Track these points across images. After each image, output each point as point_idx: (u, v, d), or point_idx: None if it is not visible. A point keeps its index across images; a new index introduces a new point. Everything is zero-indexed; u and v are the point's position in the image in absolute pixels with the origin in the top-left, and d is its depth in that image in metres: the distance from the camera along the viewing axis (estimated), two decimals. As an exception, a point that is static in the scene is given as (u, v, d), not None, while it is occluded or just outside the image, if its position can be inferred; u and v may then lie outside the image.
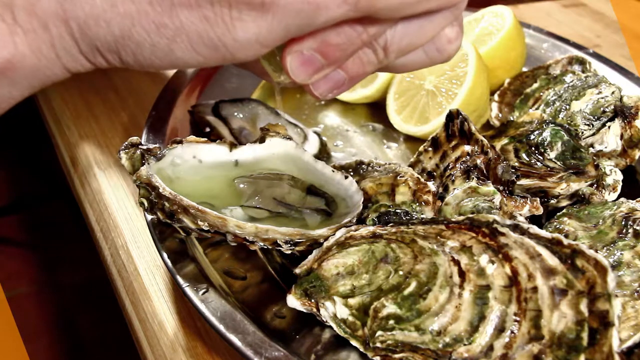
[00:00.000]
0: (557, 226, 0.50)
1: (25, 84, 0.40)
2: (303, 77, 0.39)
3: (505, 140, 0.57)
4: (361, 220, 0.49)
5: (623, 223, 0.48)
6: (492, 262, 0.40)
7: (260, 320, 0.42)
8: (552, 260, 0.38)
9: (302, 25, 0.36)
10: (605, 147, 0.60)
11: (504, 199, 0.49)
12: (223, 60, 0.38)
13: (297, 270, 0.44)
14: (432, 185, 0.50)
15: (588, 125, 0.60)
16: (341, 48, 0.38)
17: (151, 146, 0.47)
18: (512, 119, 0.67)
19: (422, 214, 0.49)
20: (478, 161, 0.50)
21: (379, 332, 0.40)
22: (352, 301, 0.42)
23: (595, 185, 0.55)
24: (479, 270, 0.40)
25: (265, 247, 0.44)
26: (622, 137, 0.60)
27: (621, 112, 0.60)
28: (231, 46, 0.36)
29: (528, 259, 0.39)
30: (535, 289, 0.38)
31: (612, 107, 0.60)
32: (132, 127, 0.69)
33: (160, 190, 0.42)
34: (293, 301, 0.43)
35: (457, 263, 0.41)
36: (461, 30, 0.42)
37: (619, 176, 0.57)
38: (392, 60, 0.41)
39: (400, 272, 0.42)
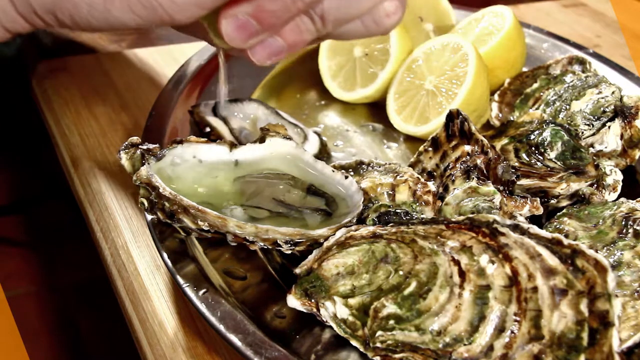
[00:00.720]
0: (557, 226, 0.50)
1: None
2: (238, 41, 0.39)
3: (505, 140, 0.57)
4: (361, 220, 0.49)
5: (623, 223, 0.48)
6: (492, 262, 0.40)
7: (260, 320, 0.42)
8: (552, 260, 0.38)
9: None
10: (605, 147, 0.60)
11: (504, 199, 0.49)
12: (161, 21, 0.38)
13: (297, 270, 0.44)
14: (432, 185, 0.50)
15: (588, 125, 0.60)
16: (276, 15, 0.38)
17: (151, 146, 0.47)
18: (512, 119, 0.67)
19: (422, 214, 0.49)
20: (478, 161, 0.50)
21: (379, 332, 0.40)
22: (352, 301, 0.42)
23: (595, 185, 0.55)
24: (479, 270, 0.40)
25: (265, 247, 0.44)
26: (622, 137, 0.60)
27: (621, 112, 0.60)
28: (168, 7, 0.37)
29: (528, 259, 0.39)
30: (535, 289, 0.38)
31: (612, 107, 0.60)
32: (132, 127, 0.69)
33: (161, 190, 0.43)
34: (293, 301, 0.43)
35: (457, 263, 0.41)
36: (401, 5, 0.42)
37: (619, 176, 0.57)
38: (330, 29, 0.41)
39: (401, 272, 0.42)
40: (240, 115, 0.62)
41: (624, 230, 0.48)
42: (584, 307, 0.36)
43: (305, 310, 0.43)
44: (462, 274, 0.40)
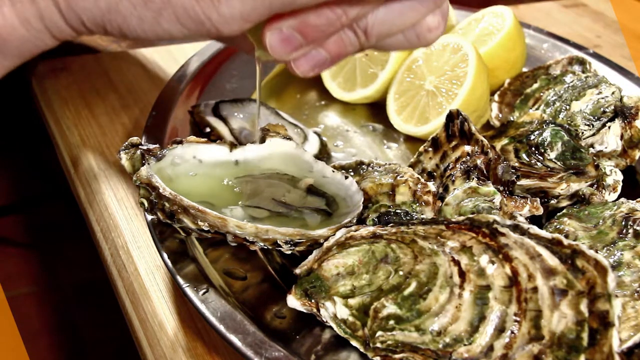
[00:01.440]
0: (557, 226, 0.50)
1: (15, 54, 0.41)
2: (281, 54, 0.40)
3: (505, 141, 0.57)
4: (361, 221, 0.49)
5: (623, 223, 0.48)
6: (492, 263, 0.40)
7: (260, 321, 0.42)
8: (552, 261, 0.38)
9: (284, 3, 0.37)
10: (606, 148, 0.60)
11: (504, 199, 0.49)
12: (208, 34, 0.39)
13: (297, 271, 0.44)
14: (432, 186, 0.50)
15: (588, 125, 0.60)
16: (320, 29, 0.39)
17: (151, 146, 0.47)
18: (512, 119, 0.67)
19: (422, 214, 0.49)
20: (478, 161, 0.50)
21: (379, 333, 0.40)
22: (352, 301, 0.42)
23: (595, 186, 0.55)
24: (479, 270, 0.40)
25: (266, 247, 0.44)
26: (622, 137, 0.60)
27: (621, 112, 0.60)
28: (216, 21, 0.37)
29: (528, 259, 0.39)
30: (535, 289, 0.38)
31: (612, 107, 0.60)
32: (132, 127, 0.69)
33: (161, 191, 0.43)
34: (293, 301, 0.43)
35: (457, 263, 0.41)
36: (443, 21, 0.42)
37: (619, 176, 0.57)
38: (373, 43, 0.42)
39: (401, 273, 0.42)
40: (240, 115, 0.62)
41: (624, 231, 0.48)
42: (584, 307, 0.36)
43: (305, 311, 0.43)
44: (462, 274, 0.40)
